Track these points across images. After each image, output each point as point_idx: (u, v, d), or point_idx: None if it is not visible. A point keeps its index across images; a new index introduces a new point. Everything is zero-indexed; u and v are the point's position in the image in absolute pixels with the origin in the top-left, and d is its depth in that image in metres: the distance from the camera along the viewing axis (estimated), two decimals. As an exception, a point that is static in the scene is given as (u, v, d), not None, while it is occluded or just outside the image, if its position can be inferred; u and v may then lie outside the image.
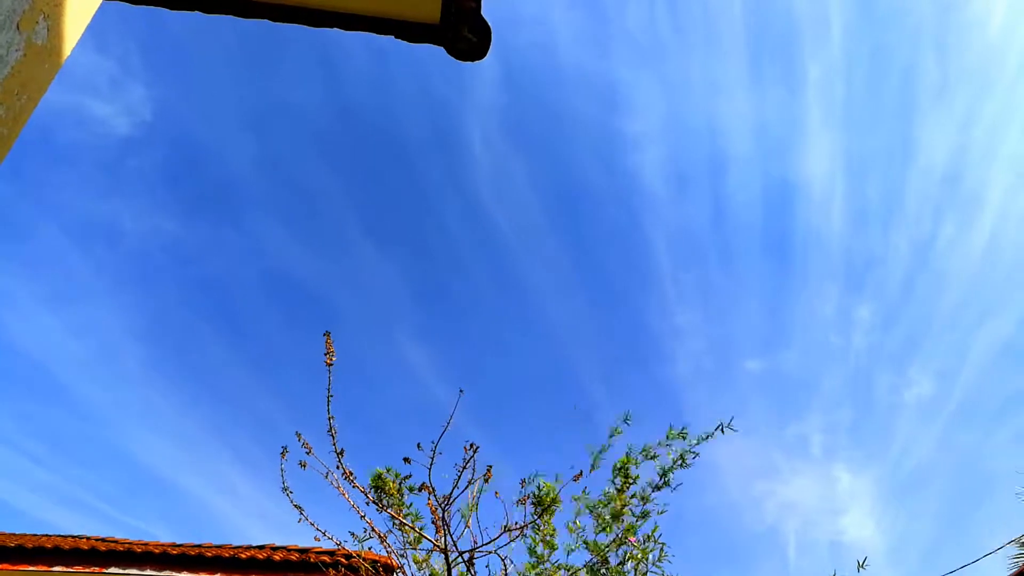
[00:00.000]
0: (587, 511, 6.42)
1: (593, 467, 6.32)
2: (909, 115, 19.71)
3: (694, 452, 6.23)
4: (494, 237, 22.21)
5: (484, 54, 3.85)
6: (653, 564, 6.19)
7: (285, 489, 5.56)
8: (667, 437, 6.33)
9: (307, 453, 5.50)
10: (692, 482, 6.42)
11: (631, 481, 6.32)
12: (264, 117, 17.98)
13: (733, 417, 6.19)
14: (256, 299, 21.27)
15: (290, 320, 21.72)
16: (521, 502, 5.92)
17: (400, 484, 6.20)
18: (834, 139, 20.09)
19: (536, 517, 6.06)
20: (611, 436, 6.41)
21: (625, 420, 6.46)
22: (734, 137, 20.55)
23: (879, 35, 18.11)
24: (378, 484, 6.25)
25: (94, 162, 16.56)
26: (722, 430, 6.15)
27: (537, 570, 6.21)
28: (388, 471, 6.17)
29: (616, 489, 6.34)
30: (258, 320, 21.33)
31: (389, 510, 5.92)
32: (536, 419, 22.11)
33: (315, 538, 5.64)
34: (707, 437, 6.19)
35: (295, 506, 5.57)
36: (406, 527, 5.90)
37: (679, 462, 6.24)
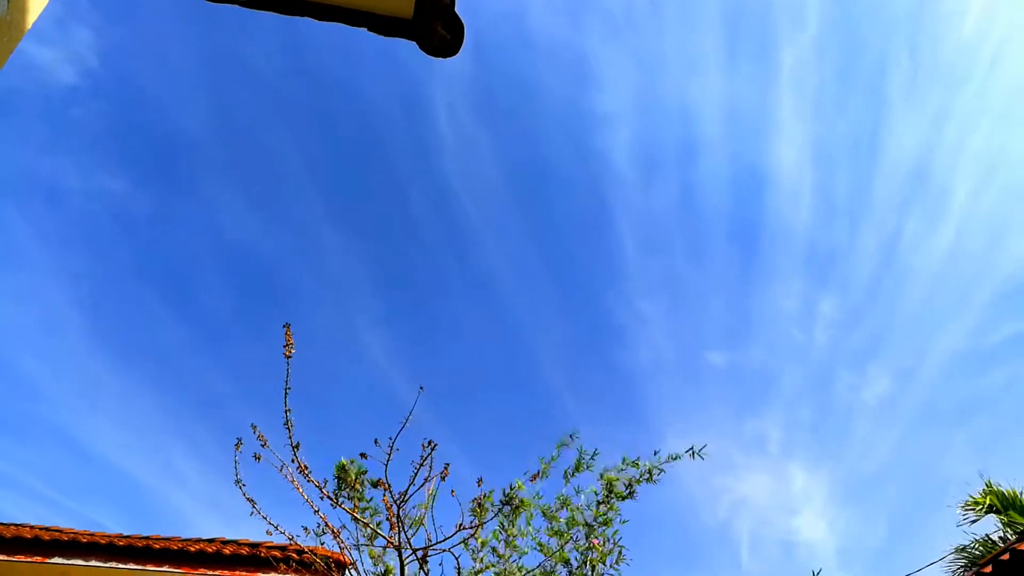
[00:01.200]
0: (540, 514, 6.49)
1: (543, 474, 6.41)
2: (880, 107, 19.79)
3: (661, 469, 6.46)
4: (457, 215, 21.46)
5: (456, 51, 3.85)
6: (610, 567, 6.27)
7: (238, 482, 5.48)
8: (623, 462, 6.57)
9: (262, 446, 5.44)
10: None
11: (615, 495, 6.50)
12: (221, 74, 16.94)
13: (705, 445, 6.48)
14: (209, 273, 20.12)
15: (244, 298, 20.77)
16: (478, 503, 5.93)
17: (361, 477, 6.16)
18: (805, 128, 20.06)
19: (503, 516, 6.10)
20: (559, 447, 6.56)
21: (572, 436, 6.65)
22: (705, 120, 20.25)
23: (854, 23, 18.15)
24: (341, 475, 6.22)
25: (35, 112, 15.35)
26: (692, 455, 6.41)
27: (496, 569, 6.22)
28: (352, 463, 6.14)
29: (597, 501, 6.50)
30: (210, 295, 20.27)
31: (345, 505, 5.87)
32: (496, 408, 21.87)
33: (267, 532, 5.58)
34: (676, 458, 6.45)
35: (247, 499, 5.49)
36: (361, 522, 5.86)
37: (645, 476, 6.45)
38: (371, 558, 6.24)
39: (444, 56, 3.86)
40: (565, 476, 6.51)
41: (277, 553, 6.94)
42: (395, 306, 22.43)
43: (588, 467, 6.52)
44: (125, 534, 7.37)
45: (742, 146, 20.66)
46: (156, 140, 17.02)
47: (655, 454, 6.52)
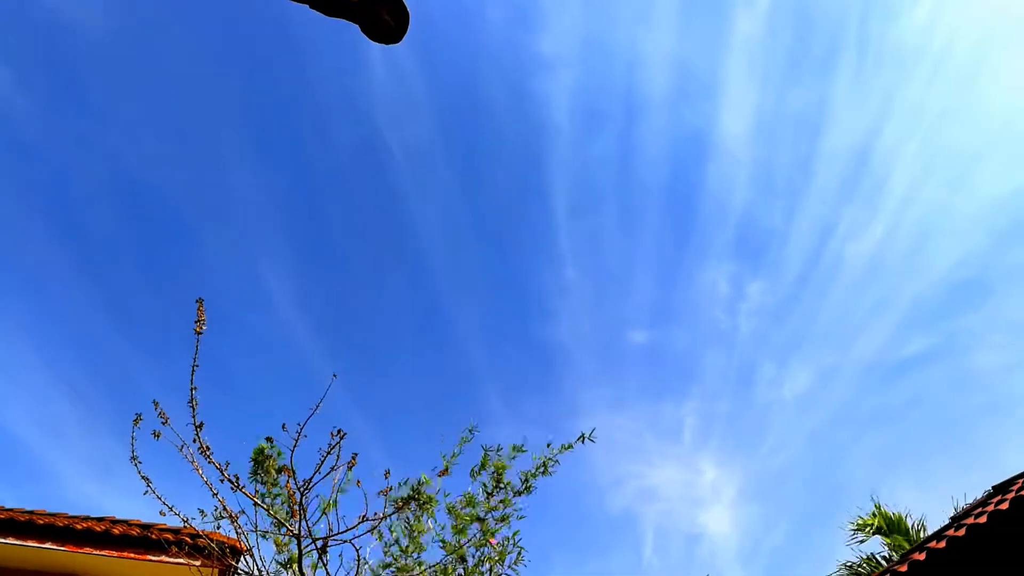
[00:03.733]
0: (446, 511, 6.43)
1: (444, 472, 6.33)
2: (827, 90, 18.90)
3: (556, 461, 6.43)
4: (381, 158, 19.44)
5: (400, 39, 3.81)
6: (509, 567, 6.28)
7: (134, 459, 5.27)
8: (511, 450, 6.51)
9: (163, 423, 5.24)
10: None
11: (503, 485, 6.42)
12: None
13: (594, 429, 6.47)
14: (96, 194, 17.10)
15: (134, 227, 17.86)
16: (383, 493, 5.86)
17: (276, 462, 5.99)
18: (752, 100, 19.02)
19: (405, 511, 6.03)
20: (461, 443, 6.48)
21: (470, 431, 6.56)
22: (653, 75, 18.66)
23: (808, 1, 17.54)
24: (258, 459, 6.03)
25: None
26: (583, 440, 6.39)
27: (399, 564, 6.16)
28: (271, 447, 5.95)
29: (487, 492, 6.42)
30: (95, 219, 17.26)
31: (247, 490, 5.70)
32: (411, 383, 20.91)
33: (161, 512, 5.37)
34: (569, 447, 6.42)
35: (142, 477, 5.27)
36: (262, 507, 5.70)
37: (541, 469, 6.41)
38: (276, 545, 6.10)
39: (387, 43, 3.81)
40: (472, 474, 6.46)
41: (170, 536, 6.69)
42: (305, 256, 20.44)
43: (490, 464, 6.46)
44: (6, 507, 6.98)
45: (687, 108, 19.65)
46: (46, 31, 14.42)
47: (548, 446, 6.49)
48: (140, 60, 15.73)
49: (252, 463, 5.98)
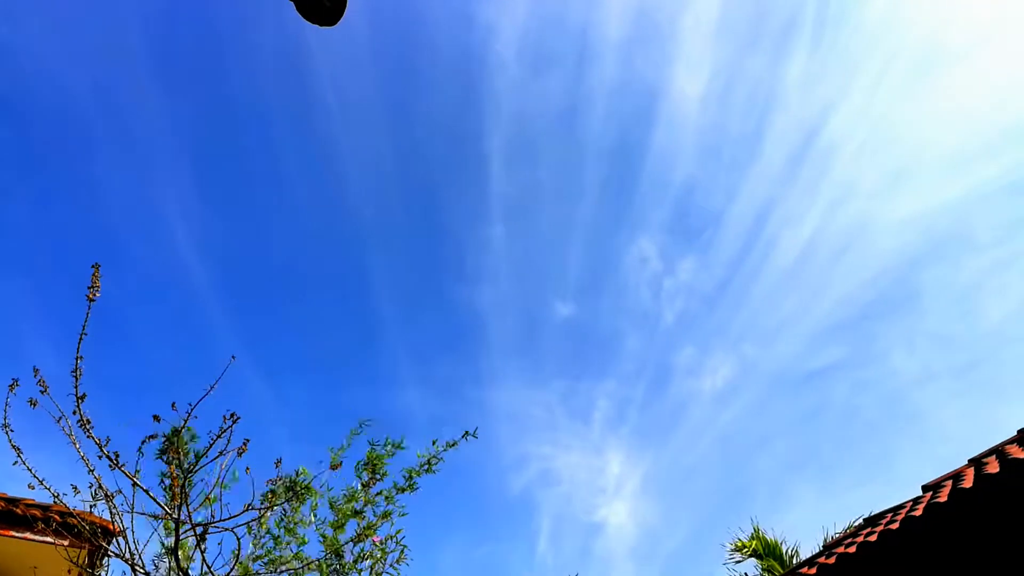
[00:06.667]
0: (327, 505, 6.31)
1: (333, 466, 6.21)
2: (784, 60, 17.56)
3: (440, 458, 6.40)
4: (307, 81, 16.86)
5: (335, 21, 3.73)
6: (390, 565, 6.20)
7: (5, 426, 4.95)
8: (384, 444, 6.43)
9: (42, 392, 4.94)
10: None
11: (379, 477, 6.33)
12: None
13: (478, 427, 6.44)
14: None
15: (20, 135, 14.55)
16: (271, 490, 5.72)
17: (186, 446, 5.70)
18: (709, 57, 17.69)
19: (275, 503, 5.86)
20: (351, 435, 6.39)
21: (361, 425, 6.48)
22: (611, 15, 16.97)
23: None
24: (172, 439, 5.73)
25: None
26: (466, 437, 6.38)
27: (271, 555, 5.99)
28: (189, 431, 5.67)
29: (362, 484, 6.31)
30: None
31: (125, 469, 5.43)
32: (318, 340, 19.80)
33: (29, 486, 5.05)
34: (453, 444, 6.40)
35: (13, 446, 4.96)
36: (140, 487, 5.44)
37: (425, 467, 6.37)
38: (166, 529, 5.84)
39: (322, 25, 3.73)
40: (356, 470, 6.36)
41: (37, 512, 6.30)
42: (213, 194, 18.11)
43: (377, 461, 6.37)
44: None
45: (642, 58, 18.07)
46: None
47: (433, 443, 6.45)
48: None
49: (164, 439, 5.68)
